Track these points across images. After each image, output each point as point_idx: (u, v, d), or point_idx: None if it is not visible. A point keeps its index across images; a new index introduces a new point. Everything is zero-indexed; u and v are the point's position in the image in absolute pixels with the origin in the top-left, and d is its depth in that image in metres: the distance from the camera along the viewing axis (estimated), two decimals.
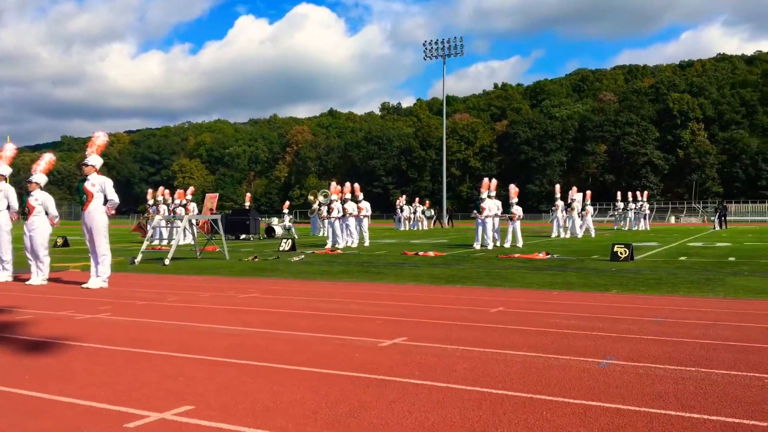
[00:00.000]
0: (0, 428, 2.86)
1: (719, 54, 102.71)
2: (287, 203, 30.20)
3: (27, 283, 8.96)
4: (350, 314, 6.06)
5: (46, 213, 9.27)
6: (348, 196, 18.99)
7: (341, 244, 18.21)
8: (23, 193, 9.54)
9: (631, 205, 31.99)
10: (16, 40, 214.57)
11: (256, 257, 13.80)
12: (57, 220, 9.46)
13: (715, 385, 3.45)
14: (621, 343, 4.61)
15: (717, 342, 4.62)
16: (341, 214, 18.52)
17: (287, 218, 28.24)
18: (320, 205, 26.65)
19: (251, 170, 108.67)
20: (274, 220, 28.07)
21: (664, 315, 5.89)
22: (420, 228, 36.49)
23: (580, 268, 10.87)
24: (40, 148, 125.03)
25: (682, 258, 13.07)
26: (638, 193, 32.99)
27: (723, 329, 5.14)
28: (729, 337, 4.79)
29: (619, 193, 33.94)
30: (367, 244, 19.06)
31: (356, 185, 19.88)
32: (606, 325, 5.32)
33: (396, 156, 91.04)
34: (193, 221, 15.61)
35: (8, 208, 9.54)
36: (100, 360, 4.19)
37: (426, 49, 58.25)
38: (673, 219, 59.03)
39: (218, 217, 15.77)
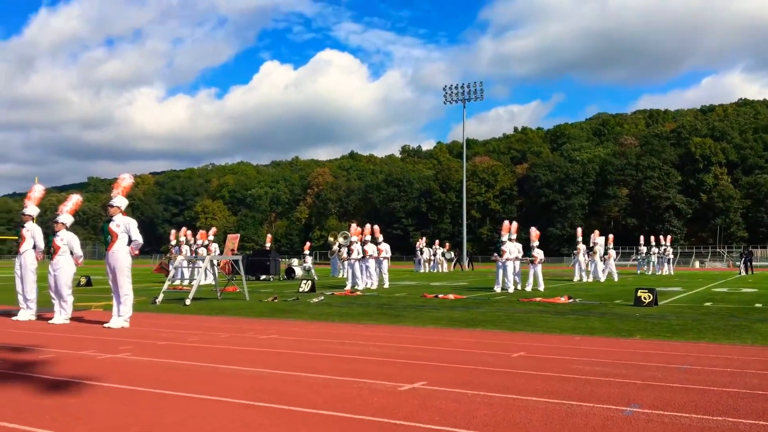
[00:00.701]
0: None
1: (741, 99, 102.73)
2: (308, 244, 30.31)
3: (50, 322, 9.05)
4: (369, 357, 6.02)
5: (71, 253, 9.42)
6: (368, 237, 19.03)
7: (361, 286, 18.18)
8: (49, 233, 9.72)
9: (654, 250, 31.60)
10: (48, 84, 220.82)
11: (275, 298, 13.82)
12: (81, 260, 9.60)
13: None
14: (645, 390, 4.52)
15: (744, 391, 4.51)
16: (361, 255, 18.54)
17: (309, 259, 28.28)
18: (340, 246, 26.68)
19: (272, 211, 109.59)
20: (294, 261, 28.14)
21: (690, 362, 5.77)
22: (440, 270, 36.32)
23: (603, 313, 10.72)
24: (66, 189, 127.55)
25: (708, 303, 12.84)
26: (661, 237, 32.62)
27: (750, 377, 5.02)
28: (757, 386, 4.67)
29: (641, 237, 33.59)
30: (386, 285, 19.00)
31: (376, 227, 19.93)
32: (630, 372, 5.23)
33: (416, 198, 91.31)
34: (215, 262, 15.73)
35: (34, 247, 9.73)
36: (121, 401, 4.20)
37: (446, 93, 58.89)
38: (697, 264, 58.13)
39: (239, 257, 15.87)
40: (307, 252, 28.85)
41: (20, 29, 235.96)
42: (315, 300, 13.55)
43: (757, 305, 12.44)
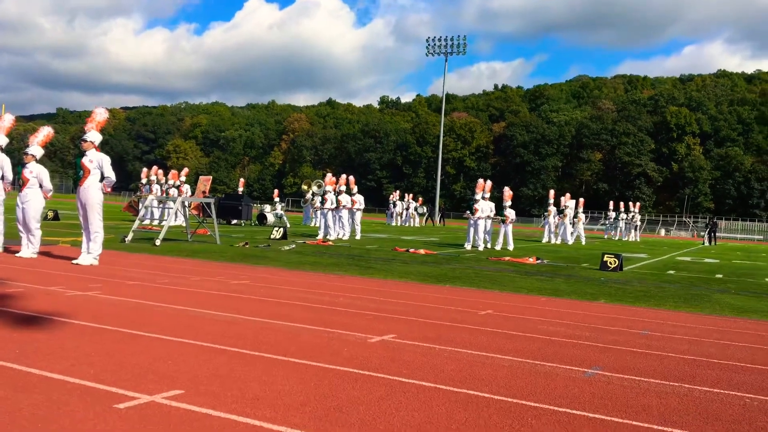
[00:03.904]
0: None
1: (720, 70, 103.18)
2: (277, 191, 30.16)
3: (17, 255, 8.94)
4: (340, 308, 6.09)
5: (40, 186, 9.24)
6: (343, 188, 19.00)
7: (333, 236, 18.23)
8: (18, 164, 9.50)
9: (623, 215, 32.16)
10: (18, 8, 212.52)
11: (246, 243, 13.80)
12: (50, 193, 9.43)
13: (698, 402, 3.50)
14: (607, 353, 4.66)
15: (701, 359, 4.68)
16: (335, 205, 18.53)
17: (279, 206, 28.21)
18: (314, 195, 26.63)
19: (246, 155, 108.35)
20: (267, 207, 28.01)
21: (651, 328, 5.95)
22: (411, 224, 36.57)
23: (570, 276, 10.95)
24: (34, 119, 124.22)
25: (671, 272, 13.18)
26: (631, 203, 33.18)
27: (708, 346, 5.21)
28: (713, 355, 4.85)
29: (611, 203, 34.14)
30: (358, 237, 19.09)
31: (351, 178, 19.89)
32: (593, 335, 5.38)
33: (392, 151, 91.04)
34: (186, 203, 15.58)
35: (2, 178, 9.51)
36: (90, 338, 4.20)
37: (429, 45, 58.19)
38: (663, 232, 59.38)
39: (211, 200, 15.75)
40: (277, 199, 28.75)
41: None
42: (286, 248, 13.57)
43: (718, 276, 12.81)
